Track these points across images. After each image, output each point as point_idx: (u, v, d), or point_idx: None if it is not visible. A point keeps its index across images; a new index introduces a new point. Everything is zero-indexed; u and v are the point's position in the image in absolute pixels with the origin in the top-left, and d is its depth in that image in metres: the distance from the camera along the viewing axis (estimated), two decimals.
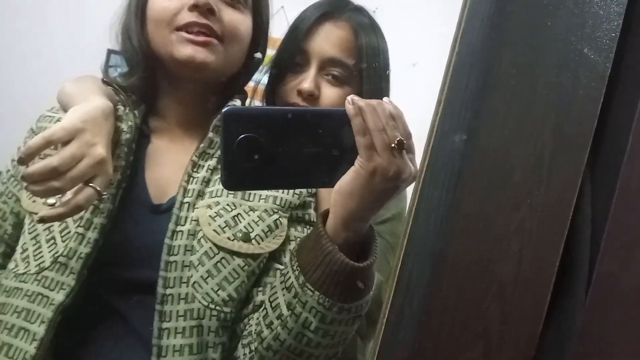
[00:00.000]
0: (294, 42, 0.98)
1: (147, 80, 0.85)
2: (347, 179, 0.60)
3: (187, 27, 0.78)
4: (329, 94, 0.97)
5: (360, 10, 1.05)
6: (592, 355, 0.41)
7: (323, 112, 0.67)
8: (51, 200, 0.71)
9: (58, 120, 0.82)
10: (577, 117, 0.39)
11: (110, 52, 3.33)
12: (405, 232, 0.37)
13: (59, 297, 0.72)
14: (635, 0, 0.41)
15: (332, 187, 0.63)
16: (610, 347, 0.41)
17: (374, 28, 1.04)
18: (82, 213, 0.74)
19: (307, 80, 0.96)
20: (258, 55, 0.92)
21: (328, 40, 0.97)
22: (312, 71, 0.97)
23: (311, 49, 0.97)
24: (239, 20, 0.83)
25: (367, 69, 0.99)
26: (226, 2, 0.82)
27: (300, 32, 0.98)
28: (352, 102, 0.60)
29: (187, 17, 0.78)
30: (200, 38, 0.78)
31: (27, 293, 0.73)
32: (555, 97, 0.39)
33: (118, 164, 0.78)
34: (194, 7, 0.78)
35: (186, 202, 0.77)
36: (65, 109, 0.80)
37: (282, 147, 0.61)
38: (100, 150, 0.70)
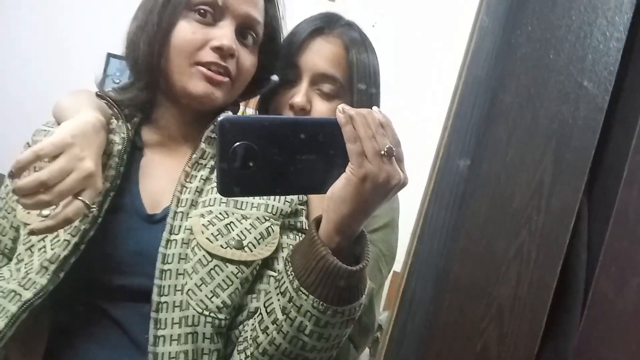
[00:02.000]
0: (286, 57, 0.99)
1: (146, 94, 0.86)
2: (339, 185, 0.63)
3: (206, 65, 0.81)
4: (320, 108, 0.98)
5: (351, 25, 1.06)
6: None
7: (315, 121, 0.69)
8: (45, 212, 0.72)
9: (52, 133, 0.83)
10: (576, 146, 0.41)
11: (110, 55, 3.36)
12: (409, 251, 0.39)
13: (27, 294, 0.73)
14: (633, 37, 0.43)
15: (325, 193, 0.65)
16: None
17: (365, 44, 1.05)
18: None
19: (298, 95, 0.98)
20: (275, 77, 0.94)
21: (320, 55, 0.99)
22: (303, 86, 0.98)
23: (303, 64, 0.98)
24: (250, 61, 0.87)
25: (358, 84, 1.01)
26: (241, 43, 0.86)
27: (293, 47, 0.99)
28: (343, 110, 0.62)
29: (210, 56, 0.81)
30: (217, 78, 0.81)
31: (3, 290, 0.74)
32: (555, 127, 0.41)
33: (108, 173, 0.79)
34: (217, 49, 0.81)
35: (180, 212, 0.79)
36: (59, 123, 0.81)
37: (276, 155, 0.63)
38: (89, 164, 0.72)
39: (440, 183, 0.39)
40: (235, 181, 0.62)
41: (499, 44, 0.39)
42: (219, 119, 0.61)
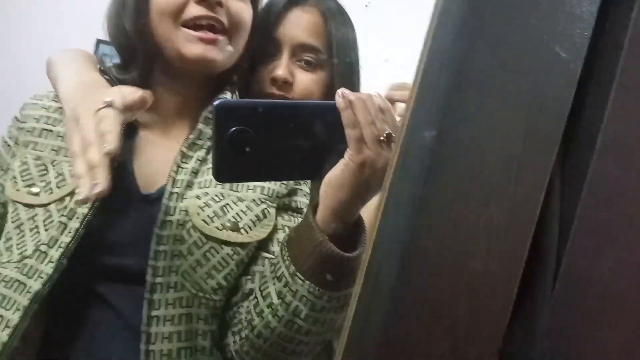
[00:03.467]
0: (263, 31, 0.98)
1: (143, 72, 0.85)
2: (337, 171, 0.62)
3: (194, 21, 0.79)
4: (303, 80, 0.98)
5: None
6: (560, 350, 0.42)
7: (313, 104, 0.68)
8: (35, 189, 0.71)
9: (43, 106, 0.82)
10: (548, 115, 0.40)
11: (99, 42, 3.31)
12: (374, 226, 0.38)
13: (36, 285, 0.72)
14: (608, 1, 0.41)
15: (322, 179, 0.64)
16: (579, 343, 0.42)
17: (342, 13, 1.05)
18: (65, 203, 0.74)
19: (280, 67, 0.97)
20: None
21: (298, 26, 0.98)
22: (284, 58, 0.98)
23: (282, 36, 0.98)
24: (244, 9, 0.85)
25: (338, 53, 1.00)
26: None
27: (269, 20, 0.98)
28: (342, 95, 0.61)
29: (195, 10, 0.79)
30: (210, 36, 0.79)
31: (5, 279, 0.73)
32: (527, 95, 0.39)
33: None
34: (201, 1, 0.78)
35: (175, 193, 0.79)
36: (53, 85, 0.79)
37: (273, 140, 0.62)
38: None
39: (406, 156, 0.37)
40: (231, 166, 0.61)
41: (466, 9, 0.38)
42: (214, 103, 0.60)
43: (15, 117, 0.86)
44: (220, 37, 0.81)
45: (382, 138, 0.60)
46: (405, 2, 3.23)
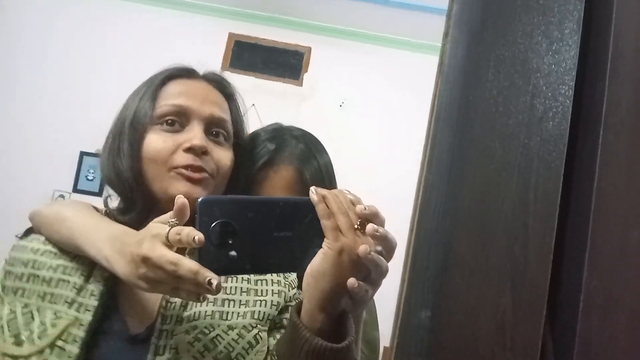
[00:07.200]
0: (242, 188, 1.04)
1: (141, 216, 0.88)
2: (318, 260, 0.66)
3: (182, 167, 0.84)
4: None
5: (298, 138, 1.11)
6: None
7: (290, 200, 0.73)
8: (19, 339, 0.72)
9: (31, 249, 0.84)
10: (532, 282, 0.43)
11: (83, 154, 3.41)
12: None
13: None
14: (571, 170, 0.46)
15: (303, 271, 0.67)
16: None
17: (314, 153, 1.10)
18: (45, 355, 0.75)
19: None
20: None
21: (275, 187, 1.05)
22: None
23: (263, 194, 1.04)
24: (225, 157, 0.91)
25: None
26: (213, 141, 0.90)
27: (247, 177, 1.03)
28: (315, 191, 0.67)
29: (184, 159, 0.85)
30: (197, 175, 0.85)
31: None
32: (508, 266, 0.43)
33: (90, 303, 0.79)
34: (189, 150, 0.85)
35: (165, 330, 0.79)
36: (73, 237, 0.81)
37: (255, 233, 0.65)
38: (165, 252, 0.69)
39: (405, 336, 0.40)
40: (215, 260, 0.64)
41: (445, 198, 0.42)
42: (199, 199, 0.64)
43: (5, 260, 0.88)
44: (206, 177, 0.86)
45: (356, 226, 0.64)
46: (378, 99, 3.43)
